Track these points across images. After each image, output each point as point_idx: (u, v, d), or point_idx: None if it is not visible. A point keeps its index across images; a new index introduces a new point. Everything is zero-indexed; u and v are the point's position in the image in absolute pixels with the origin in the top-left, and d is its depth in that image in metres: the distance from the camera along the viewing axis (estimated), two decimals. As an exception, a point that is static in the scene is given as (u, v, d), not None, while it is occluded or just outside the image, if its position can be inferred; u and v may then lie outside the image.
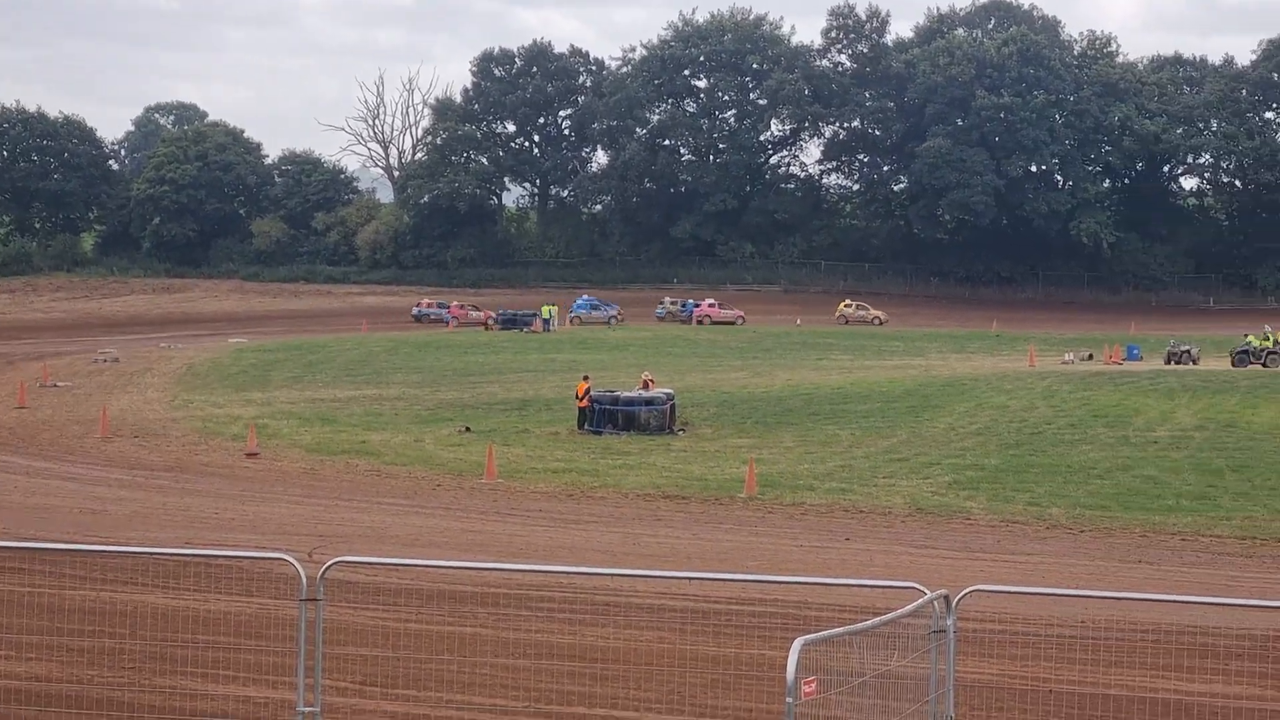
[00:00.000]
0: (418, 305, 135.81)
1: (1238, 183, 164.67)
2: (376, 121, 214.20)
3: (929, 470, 52.29)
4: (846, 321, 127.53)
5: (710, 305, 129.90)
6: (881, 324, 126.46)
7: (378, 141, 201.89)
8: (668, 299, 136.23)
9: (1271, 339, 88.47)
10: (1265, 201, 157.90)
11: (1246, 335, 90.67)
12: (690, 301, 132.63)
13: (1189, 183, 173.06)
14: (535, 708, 19.87)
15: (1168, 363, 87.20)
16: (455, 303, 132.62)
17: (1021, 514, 45.38)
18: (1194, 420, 61.39)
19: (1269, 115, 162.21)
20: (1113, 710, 19.98)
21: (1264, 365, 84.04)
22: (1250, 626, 25.55)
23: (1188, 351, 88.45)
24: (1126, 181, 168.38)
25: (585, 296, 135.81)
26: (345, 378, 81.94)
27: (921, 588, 16.85)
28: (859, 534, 42.14)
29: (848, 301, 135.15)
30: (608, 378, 73.65)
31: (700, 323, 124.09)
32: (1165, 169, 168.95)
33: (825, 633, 14.51)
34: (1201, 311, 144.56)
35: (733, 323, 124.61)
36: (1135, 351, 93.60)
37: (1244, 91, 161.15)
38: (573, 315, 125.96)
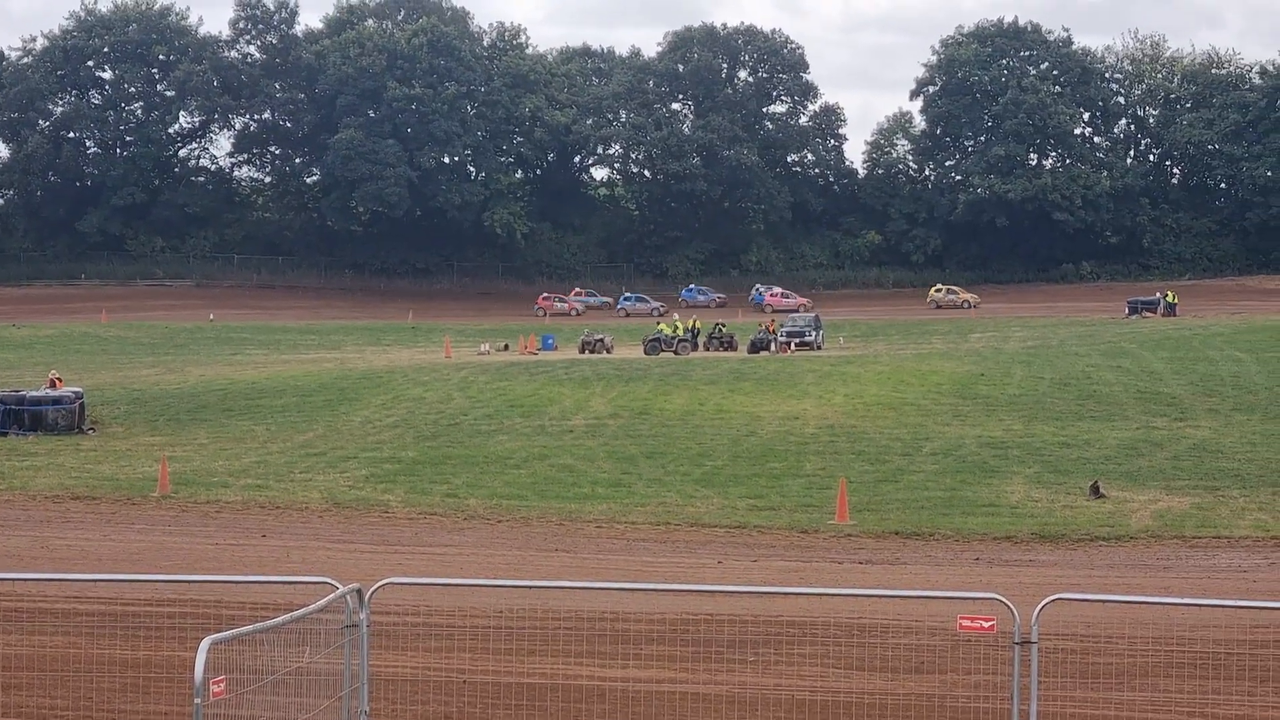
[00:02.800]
0: None
1: (647, 173, 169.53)
2: None
3: (346, 464, 51.61)
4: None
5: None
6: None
7: None
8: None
9: (682, 327, 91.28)
10: (674, 191, 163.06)
11: (658, 323, 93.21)
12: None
13: (600, 173, 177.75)
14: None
15: (582, 351, 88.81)
16: None
17: (439, 505, 45.16)
18: (608, 408, 62.49)
19: (675, 106, 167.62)
20: (531, 698, 19.82)
21: (675, 353, 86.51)
22: (663, 611, 25.77)
23: (601, 340, 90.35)
24: (539, 172, 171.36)
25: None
26: None
27: (334, 582, 16.56)
28: (276, 530, 41.14)
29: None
30: (13, 376, 70.34)
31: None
32: (576, 160, 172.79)
33: (234, 631, 14.06)
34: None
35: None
36: (550, 341, 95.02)
37: (651, 83, 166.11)
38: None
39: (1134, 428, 56.60)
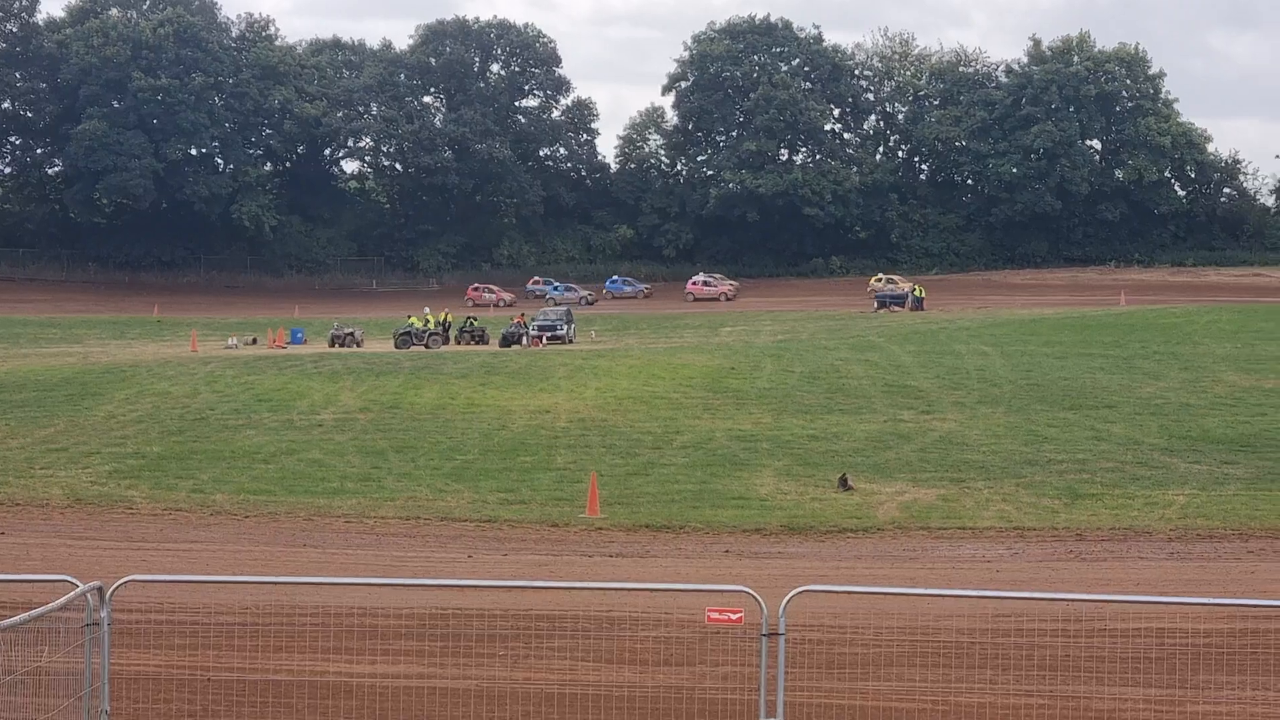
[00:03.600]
0: None
1: (398, 166, 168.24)
2: None
3: (89, 460, 50.39)
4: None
5: None
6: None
7: None
8: None
9: (433, 321, 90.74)
10: (425, 185, 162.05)
11: (409, 317, 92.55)
12: None
13: (351, 166, 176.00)
14: None
15: (331, 345, 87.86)
16: None
17: (185, 501, 44.29)
18: (358, 402, 61.86)
19: (427, 99, 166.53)
20: (277, 695, 19.48)
21: (426, 346, 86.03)
22: (413, 606, 25.51)
23: (351, 334, 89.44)
24: (288, 165, 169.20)
25: None
26: None
27: (74, 580, 16.05)
28: (14, 528, 39.98)
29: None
30: None
31: None
32: (327, 152, 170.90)
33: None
34: (365, 294, 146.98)
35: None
36: (299, 335, 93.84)
37: (402, 76, 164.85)
38: None
39: (882, 420, 57.47)
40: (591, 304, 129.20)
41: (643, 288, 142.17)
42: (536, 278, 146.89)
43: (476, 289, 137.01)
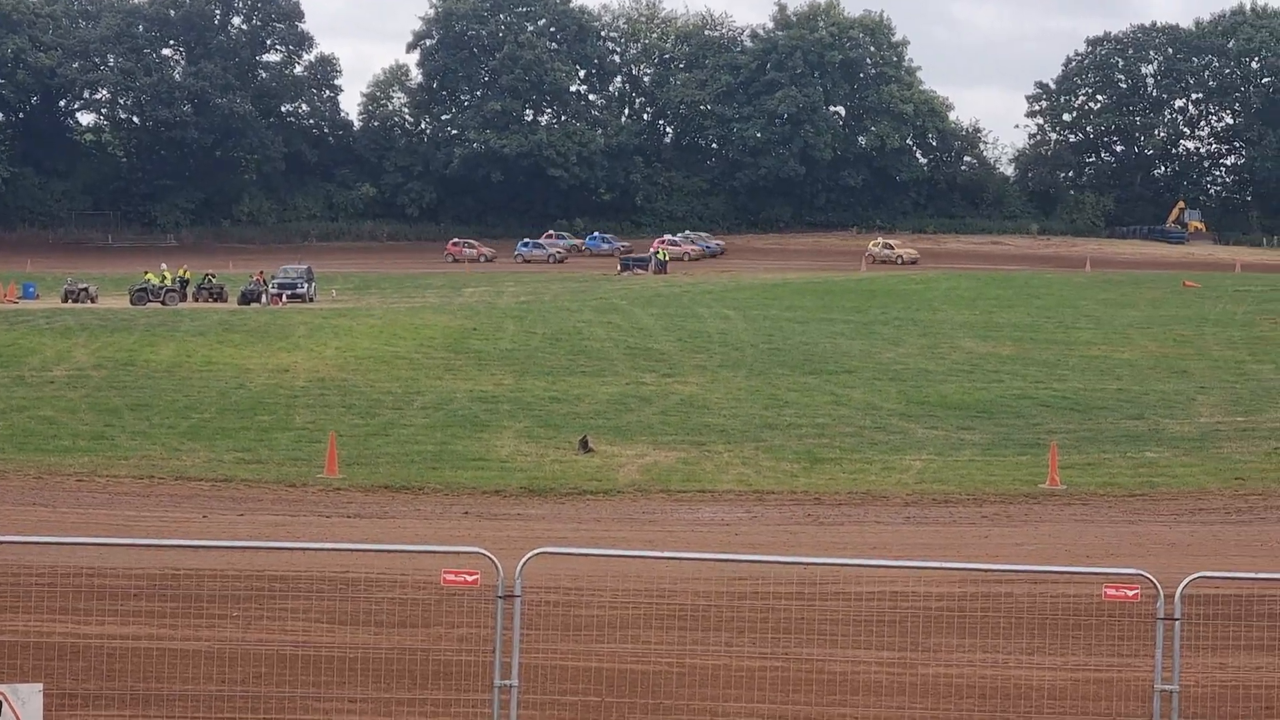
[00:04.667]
0: None
1: (136, 119, 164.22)
2: None
3: None
4: None
5: None
6: None
7: None
8: None
9: (169, 277, 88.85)
10: (164, 139, 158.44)
11: (146, 273, 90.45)
12: None
13: (87, 118, 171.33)
14: None
15: (65, 301, 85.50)
16: None
17: (-94, 460, 42.73)
18: (92, 359, 60.32)
19: (166, 52, 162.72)
20: (2, 658, 18.77)
21: (163, 303, 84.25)
22: (145, 566, 24.82)
23: (86, 289, 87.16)
24: (21, 116, 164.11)
25: None
26: None
27: None
28: None
29: None
30: None
31: None
32: (62, 104, 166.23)
33: None
34: (100, 249, 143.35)
35: None
36: (31, 290, 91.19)
37: (141, 27, 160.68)
38: None
39: (624, 383, 57.56)
40: (561, 261, 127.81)
41: (619, 245, 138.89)
42: (550, 231, 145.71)
43: (456, 244, 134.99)
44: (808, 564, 22.75)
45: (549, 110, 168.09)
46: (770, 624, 20.77)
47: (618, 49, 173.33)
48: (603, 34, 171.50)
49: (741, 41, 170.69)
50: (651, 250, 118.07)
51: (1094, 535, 34.46)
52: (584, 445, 45.68)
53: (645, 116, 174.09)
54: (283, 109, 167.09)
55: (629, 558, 23.94)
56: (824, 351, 65.58)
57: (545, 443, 46.83)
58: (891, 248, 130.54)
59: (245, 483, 41.05)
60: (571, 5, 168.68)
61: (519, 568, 16.48)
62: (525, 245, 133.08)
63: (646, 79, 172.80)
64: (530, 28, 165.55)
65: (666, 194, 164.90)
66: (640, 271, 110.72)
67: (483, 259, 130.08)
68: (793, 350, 65.67)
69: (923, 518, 37.50)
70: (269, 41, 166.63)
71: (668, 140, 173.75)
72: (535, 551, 17.17)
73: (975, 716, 18.16)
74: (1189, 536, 34.33)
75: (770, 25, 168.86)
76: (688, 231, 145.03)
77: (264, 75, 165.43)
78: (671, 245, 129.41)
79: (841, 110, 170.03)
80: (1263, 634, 20.50)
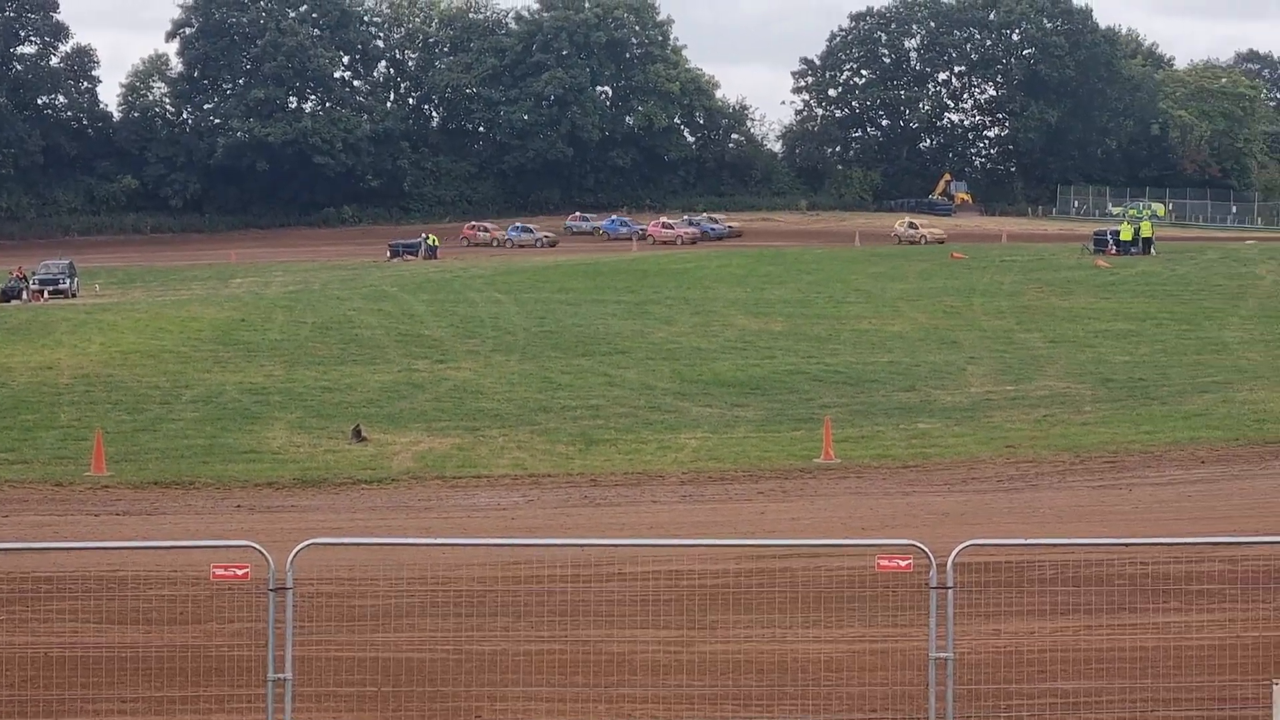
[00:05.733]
0: None
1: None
2: None
3: None
4: None
5: None
6: None
7: None
8: None
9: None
10: None
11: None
12: None
13: None
14: None
15: None
16: None
17: None
18: None
19: None
20: None
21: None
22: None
23: None
24: None
25: None
26: None
27: None
28: None
29: None
30: None
31: None
32: None
33: None
34: None
35: None
36: None
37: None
38: None
39: (396, 371, 57.09)
40: (553, 245, 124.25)
41: (637, 228, 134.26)
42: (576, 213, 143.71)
43: (473, 228, 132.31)
44: (585, 545, 22.71)
45: (313, 97, 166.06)
46: (548, 607, 20.67)
47: (381, 34, 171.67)
48: (366, 19, 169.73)
49: (506, 24, 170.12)
50: (421, 236, 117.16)
51: (869, 507, 34.87)
52: (357, 434, 45.19)
53: (411, 101, 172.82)
54: (39, 101, 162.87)
55: (404, 546, 23.68)
56: (597, 333, 65.62)
57: (318, 433, 46.26)
58: (916, 227, 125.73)
59: (10, 484, 40.05)
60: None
61: (290, 560, 16.21)
62: (515, 229, 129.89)
63: (411, 64, 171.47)
64: (292, 14, 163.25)
65: (435, 179, 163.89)
66: (410, 258, 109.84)
67: (495, 243, 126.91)
68: (565, 332, 65.62)
69: (699, 496, 37.65)
70: (23, 33, 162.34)
71: (434, 125, 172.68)
72: (306, 543, 16.89)
73: (755, 691, 18.20)
74: (962, 505, 34.89)
75: (535, 7, 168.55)
76: (689, 215, 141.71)
77: (19, 68, 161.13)
78: (664, 229, 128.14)
79: (608, 91, 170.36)
80: (1035, 599, 20.82)
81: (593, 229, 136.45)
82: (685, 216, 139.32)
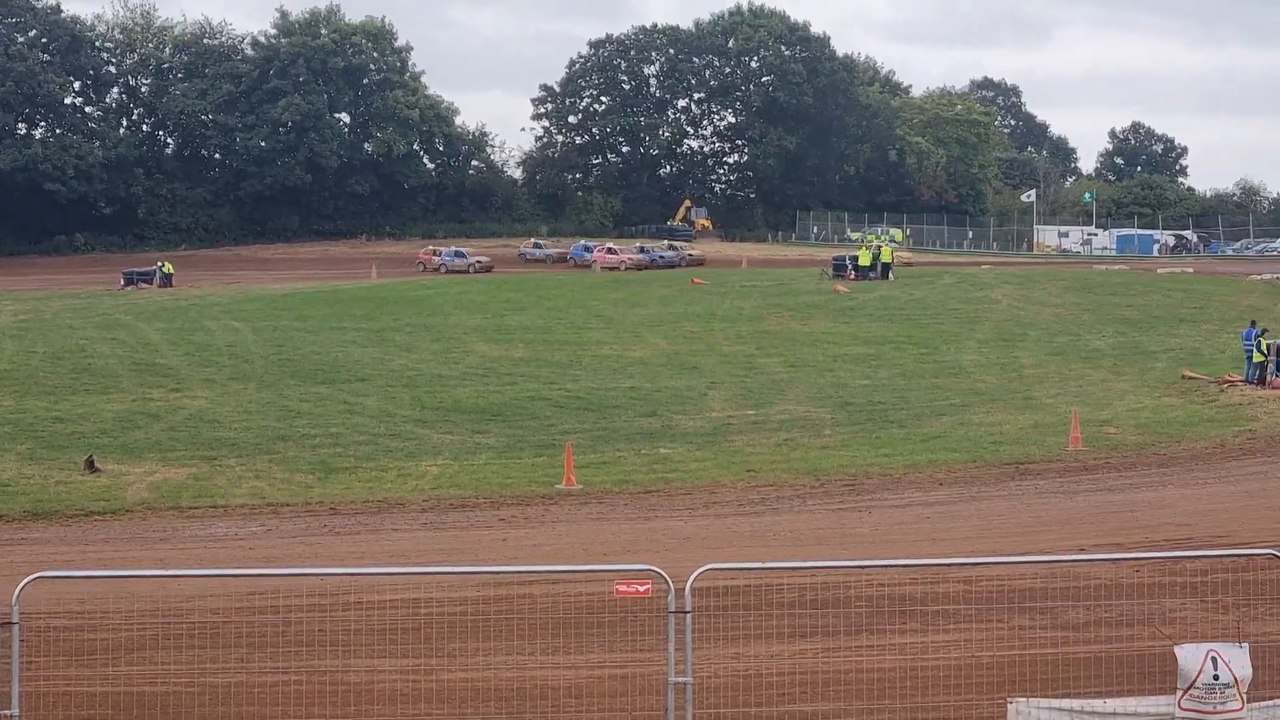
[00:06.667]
0: None
1: None
2: None
3: None
4: None
5: None
6: None
7: None
8: None
9: None
10: None
11: None
12: None
13: None
14: None
15: None
16: None
17: None
18: None
19: None
20: None
21: None
22: None
23: None
24: None
25: None
26: None
27: None
28: None
29: None
30: None
31: None
32: None
33: None
34: None
35: None
36: None
37: None
38: None
39: (130, 400, 55.89)
40: (488, 270, 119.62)
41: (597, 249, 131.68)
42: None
43: (429, 253, 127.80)
44: (324, 575, 22.39)
45: (43, 123, 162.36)
46: (288, 637, 20.30)
47: (114, 59, 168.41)
48: (97, 44, 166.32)
49: (242, 50, 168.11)
50: (156, 265, 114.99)
51: (610, 533, 34.90)
52: (89, 465, 44.07)
53: (145, 128, 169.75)
54: None
55: (137, 577, 23.13)
56: (336, 360, 64.98)
57: (49, 464, 45.01)
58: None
59: None
60: (63, 15, 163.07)
61: (16, 594, 15.71)
62: (448, 254, 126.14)
63: (145, 89, 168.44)
64: (21, 39, 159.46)
65: (170, 206, 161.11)
66: (145, 286, 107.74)
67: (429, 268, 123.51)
68: (304, 360, 64.87)
69: (441, 523, 37.36)
70: None
71: (169, 151, 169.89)
72: (33, 576, 16.39)
73: (497, 719, 18.08)
74: (704, 530, 35.06)
75: (272, 33, 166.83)
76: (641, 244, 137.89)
77: None
78: (608, 254, 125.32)
79: (347, 117, 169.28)
80: (775, 622, 20.98)
81: (545, 256, 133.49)
82: (637, 245, 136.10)
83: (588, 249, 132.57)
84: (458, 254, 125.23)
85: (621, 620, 20.82)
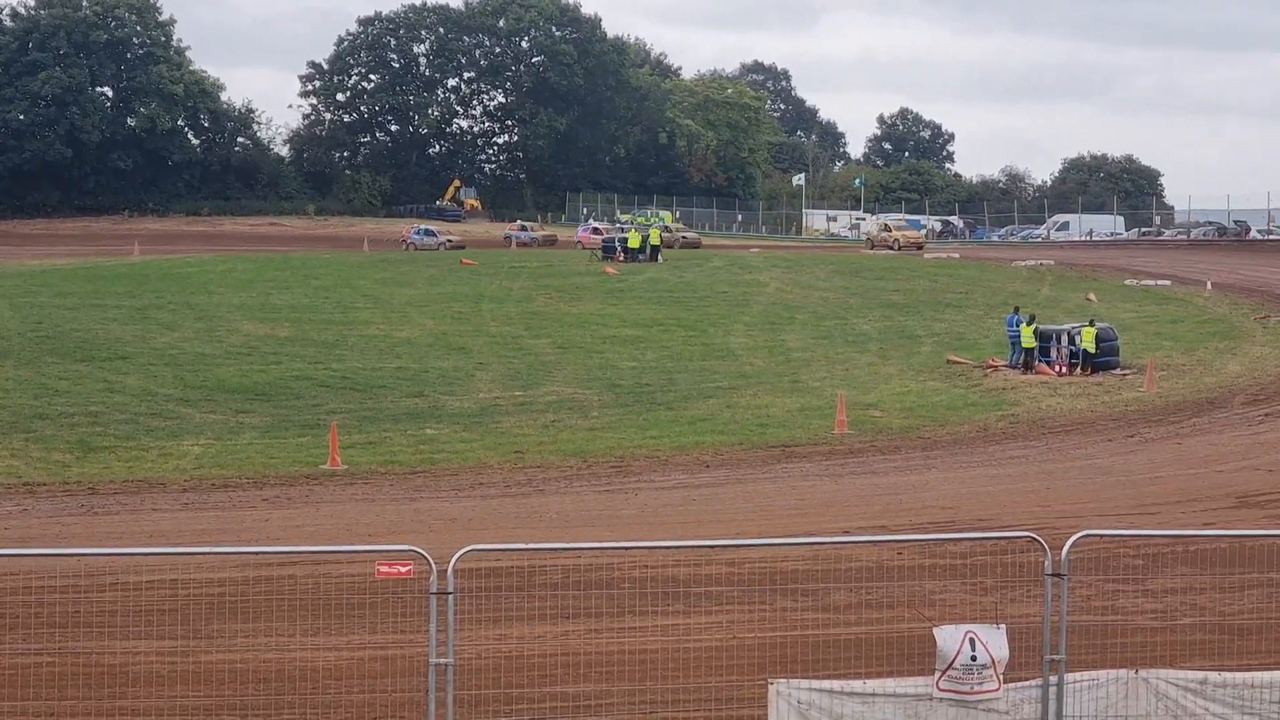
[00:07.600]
0: None
1: None
2: None
3: None
4: None
5: None
6: None
7: None
8: None
9: None
10: None
11: None
12: None
13: None
14: None
15: None
16: None
17: None
18: None
19: None
20: None
21: None
22: None
23: None
24: None
25: None
26: None
27: None
28: None
29: None
30: None
31: None
32: None
33: None
34: None
35: None
36: None
37: None
38: None
39: (-122, 377, 54.26)
40: (461, 248, 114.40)
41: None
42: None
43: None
44: (80, 555, 21.96)
45: None
46: (42, 619, 19.91)
47: None
48: None
49: (2, 21, 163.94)
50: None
51: (375, 513, 34.71)
52: None
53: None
54: None
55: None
56: (96, 338, 63.61)
57: None
58: (889, 229, 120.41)
59: None
60: None
61: None
62: (417, 232, 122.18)
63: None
64: None
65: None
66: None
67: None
68: (63, 337, 63.40)
69: (202, 503, 36.84)
70: None
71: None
72: None
73: (257, 701, 17.86)
74: (469, 510, 35.02)
75: (32, 4, 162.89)
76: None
77: None
78: (594, 234, 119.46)
79: (110, 91, 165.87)
80: (540, 604, 21.02)
81: (531, 239, 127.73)
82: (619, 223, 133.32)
83: (595, 230, 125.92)
84: (427, 233, 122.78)
85: (384, 601, 20.72)
